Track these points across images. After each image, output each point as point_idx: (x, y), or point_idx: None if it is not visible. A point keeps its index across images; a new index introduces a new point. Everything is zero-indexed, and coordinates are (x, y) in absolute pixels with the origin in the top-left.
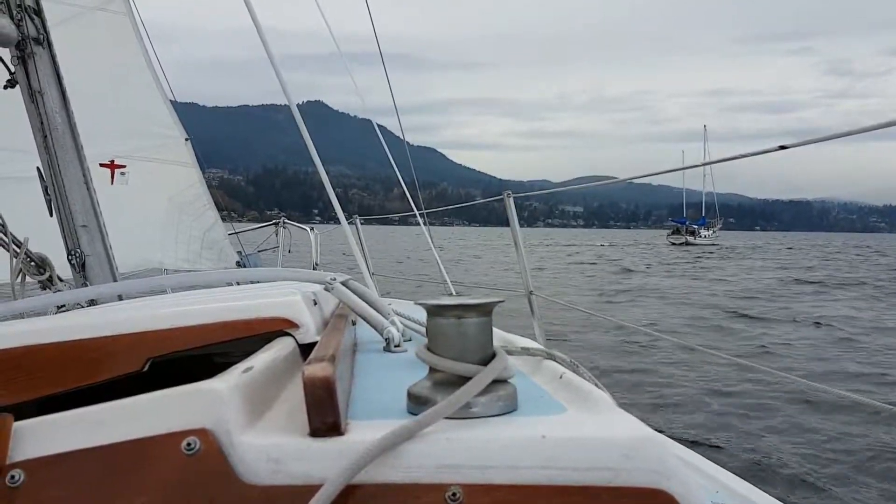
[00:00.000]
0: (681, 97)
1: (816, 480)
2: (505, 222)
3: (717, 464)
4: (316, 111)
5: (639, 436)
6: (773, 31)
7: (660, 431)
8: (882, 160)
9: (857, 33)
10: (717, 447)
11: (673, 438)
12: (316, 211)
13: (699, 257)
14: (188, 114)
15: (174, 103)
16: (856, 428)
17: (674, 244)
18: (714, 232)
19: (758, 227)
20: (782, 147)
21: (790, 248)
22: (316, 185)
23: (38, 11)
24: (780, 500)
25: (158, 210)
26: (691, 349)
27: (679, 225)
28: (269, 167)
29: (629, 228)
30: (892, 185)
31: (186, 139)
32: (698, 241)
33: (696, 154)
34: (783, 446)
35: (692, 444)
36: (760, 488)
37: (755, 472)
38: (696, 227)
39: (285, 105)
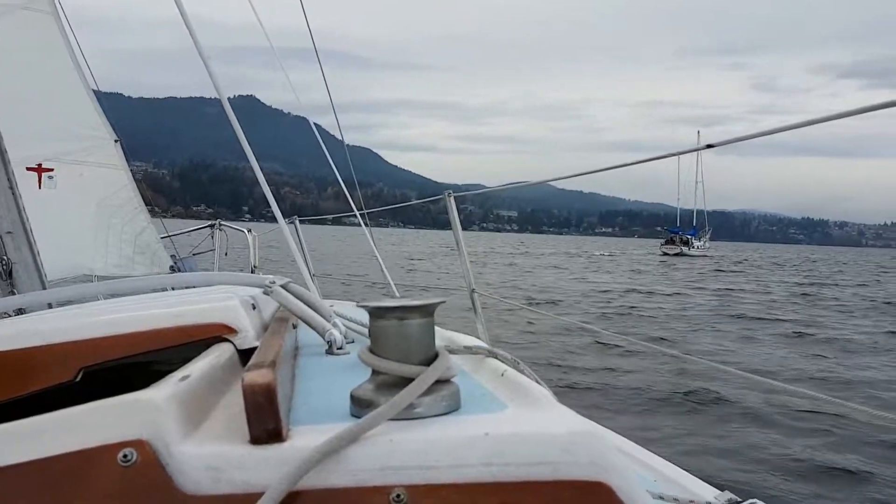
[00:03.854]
0: (617, 107)
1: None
2: (440, 225)
3: (655, 453)
4: (248, 106)
5: (578, 430)
6: (706, 45)
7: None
8: (800, 174)
9: (784, 51)
10: (655, 437)
11: (614, 430)
12: (246, 208)
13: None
14: (113, 105)
15: (98, 93)
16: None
17: (667, 254)
18: (705, 242)
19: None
20: (709, 146)
21: (776, 262)
22: (247, 181)
23: None
24: (719, 488)
25: (88, 214)
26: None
27: (674, 235)
28: (196, 161)
29: (561, 234)
30: (809, 199)
31: (116, 141)
32: (692, 251)
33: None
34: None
35: (631, 435)
36: (695, 475)
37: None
38: (688, 237)
39: (216, 98)
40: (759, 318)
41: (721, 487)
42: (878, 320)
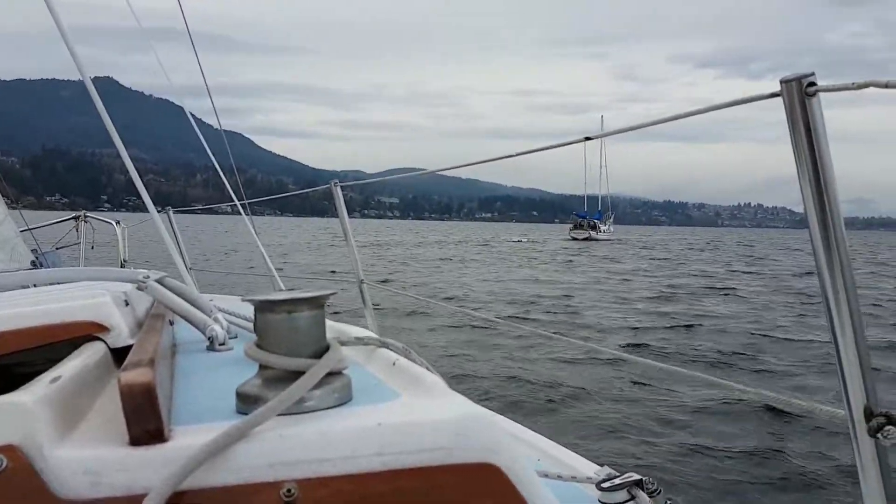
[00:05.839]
0: (492, 95)
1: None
2: (319, 213)
3: (539, 433)
4: (106, 88)
5: (469, 415)
6: (574, 36)
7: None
8: (660, 158)
9: (644, 41)
10: (535, 417)
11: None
12: (105, 197)
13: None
14: None
15: None
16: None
17: (576, 239)
18: (609, 226)
19: (557, 220)
20: (588, 138)
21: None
22: (105, 168)
23: None
24: (599, 465)
25: None
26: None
27: (581, 219)
28: (49, 148)
29: (443, 220)
30: (669, 182)
31: None
32: (599, 235)
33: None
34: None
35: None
36: (578, 453)
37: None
38: (594, 221)
39: (70, 80)
40: None
41: (601, 463)
42: None
